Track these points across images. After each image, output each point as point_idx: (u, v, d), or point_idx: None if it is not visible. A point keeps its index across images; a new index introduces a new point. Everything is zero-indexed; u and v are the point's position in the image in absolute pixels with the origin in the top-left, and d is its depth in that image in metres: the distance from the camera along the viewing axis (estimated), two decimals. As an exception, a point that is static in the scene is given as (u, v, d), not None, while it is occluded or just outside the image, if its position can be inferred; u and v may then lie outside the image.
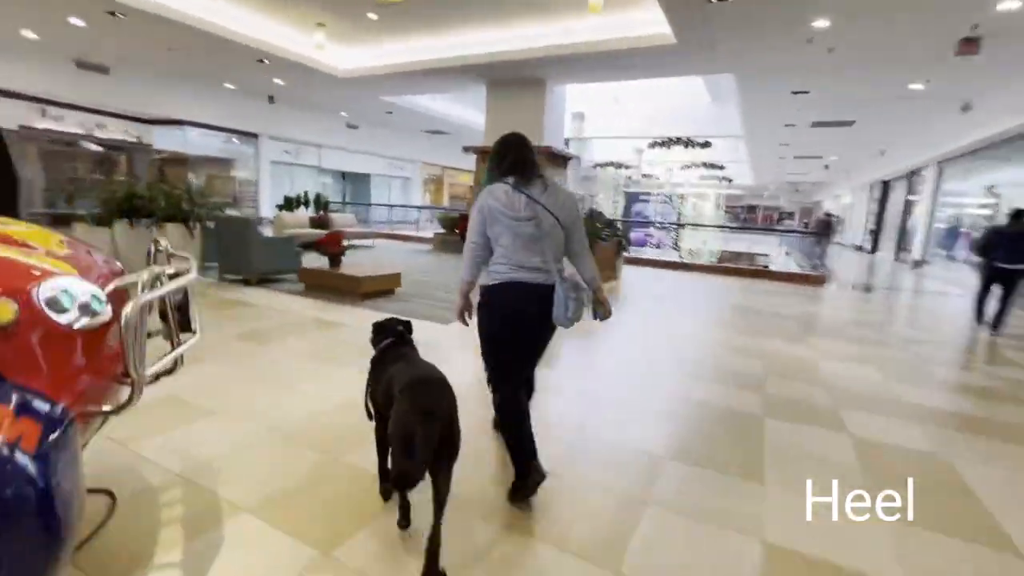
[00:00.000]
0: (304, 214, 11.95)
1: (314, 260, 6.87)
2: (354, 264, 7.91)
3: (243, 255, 6.38)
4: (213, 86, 14.75)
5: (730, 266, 12.97)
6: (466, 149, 12.85)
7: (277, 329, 4.79)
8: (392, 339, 2.23)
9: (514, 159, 2.33)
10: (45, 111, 12.59)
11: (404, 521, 2.00)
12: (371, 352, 2.27)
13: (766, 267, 13.15)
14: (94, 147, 14.30)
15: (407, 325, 2.33)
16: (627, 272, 10.30)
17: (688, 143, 19.09)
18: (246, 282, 6.58)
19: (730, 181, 30.30)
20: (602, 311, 2.41)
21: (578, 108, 17.25)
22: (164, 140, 15.26)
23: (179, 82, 14.17)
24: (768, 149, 19.97)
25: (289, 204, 11.82)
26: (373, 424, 2.13)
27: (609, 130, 19.18)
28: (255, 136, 17.19)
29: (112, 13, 8.89)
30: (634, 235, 17.62)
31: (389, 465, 2.01)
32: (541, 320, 2.25)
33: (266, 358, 3.98)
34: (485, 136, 12.83)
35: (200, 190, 6.47)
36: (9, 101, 11.83)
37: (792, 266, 14.04)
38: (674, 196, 25.76)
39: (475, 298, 2.43)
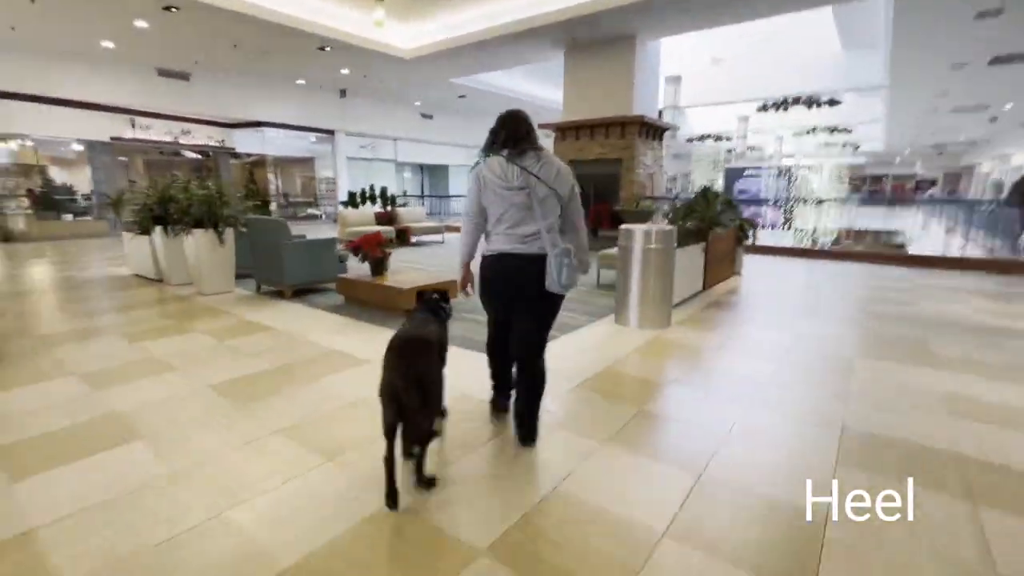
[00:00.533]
0: (371, 210, 11.18)
1: (363, 267, 5.76)
2: (408, 268, 6.79)
3: (276, 263, 5.44)
4: (286, 85, 14.55)
5: (871, 251, 10.24)
6: (542, 127, 11.29)
7: (269, 377, 3.37)
8: (426, 308, 2.46)
9: (508, 133, 2.36)
10: (134, 121, 12.97)
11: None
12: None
13: (920, 254, 10.16)
14: (190, 154, 14.74)
15: (443, 295, 2.57)
16: (749, 263, 8.08)
17: (812, 102, 15.95)
18: (280, 294, 5.64)
19: (856, 148, 25.77)
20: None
21: (672, 72, 14.95)
22: (245, 143, 15.41)
23: (255, 83, 14.10)
24: (918, 102, 16.15)
25: (353, 200, 11.11)
26: None
27: (708, 96, 16.57)
28: (331, 133, 16.96)
29: (167, 8, 8.50)
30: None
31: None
32: (537, 288, 2.31)
33: (229, 436, 2.57)
34: (564, 109, 11.22)
35: (226, 188, 5.55)
36: (99, 113, 12.28)
37: (961, 248, 10.88)
38: (791, 168, 22.26)
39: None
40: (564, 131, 11.15)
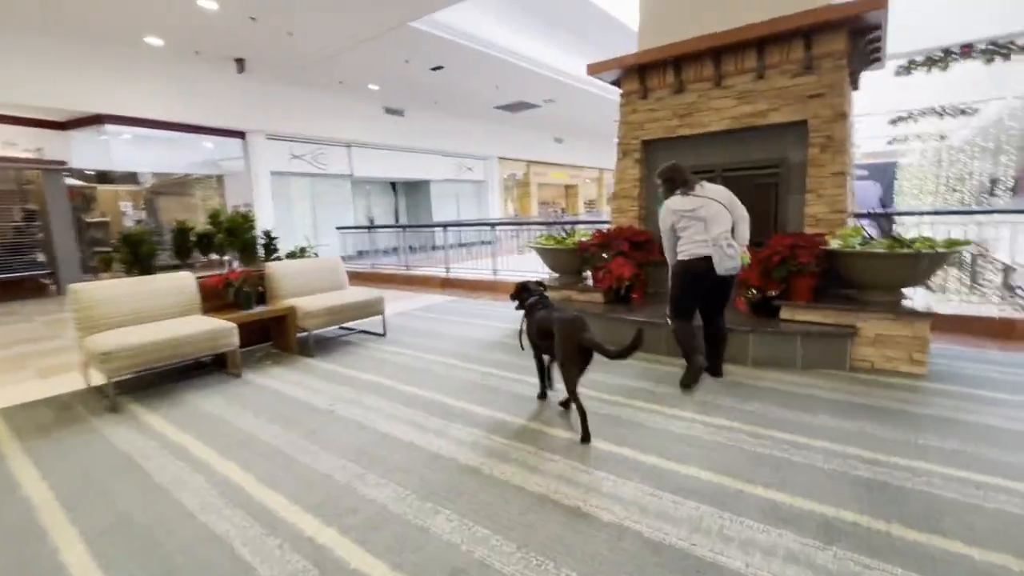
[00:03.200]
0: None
1: None
2: None
3: None
4: (133, 48, 8.57)
5: None
6: (592, 71, 5.27)
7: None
8: (536, 297, 3.30)
9: (680, 179, 3.39)
10: None
11: (543, 394, 3.22)
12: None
13: None
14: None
15: (543, 284, 3.46)
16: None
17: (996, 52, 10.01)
18: None
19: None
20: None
21: None
22: (83, 153, 9.36)
23: (69, 48, 8.10)
24: None
25: (267, 246, 4.99)
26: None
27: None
28: (240, 135, 10.99)
29: None
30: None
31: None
32: (711, 277, 3.22)
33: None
34: (640, 37, 5.19)
35: None
36: None
37: None
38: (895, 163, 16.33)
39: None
40: (642, 74, 5.09)
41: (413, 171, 15.47)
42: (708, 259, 3.17)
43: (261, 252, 5.08)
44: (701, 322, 3.51)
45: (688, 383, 3.31)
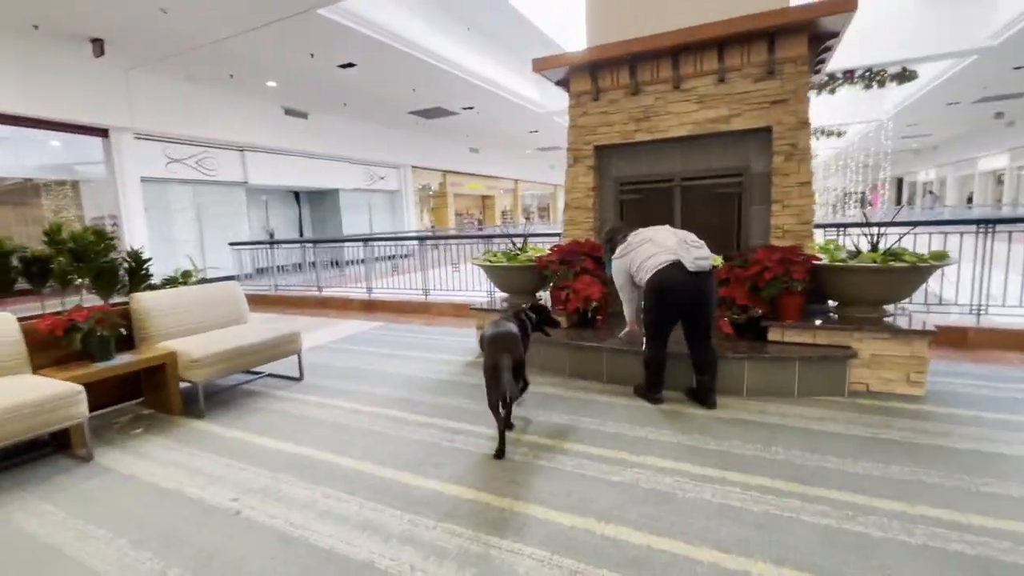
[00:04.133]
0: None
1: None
2: None
3: None
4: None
5: None
6: (538, 67, 4.73)
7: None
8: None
9: (620, 235, 3.36)
10: None
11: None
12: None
13: None
14: None
15: (534, 310, 3.21)
16: None
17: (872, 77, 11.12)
18: None
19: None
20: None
21: None
22: None
23: None
24: None
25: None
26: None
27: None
28: (101, 133, 9.07)
29: None
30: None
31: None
32: (686, 285, 2.93)
33: None
34: (589, 33, 4.75)
35: None
36: None
37: None
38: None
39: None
40: (596, 75, 4.65)
41: (319, 179, 14.04)
42: (675, 265, 2.91)
43: (125, 279, 3.86)
44: (687, 345, 3.12)
45: (643, 395, 3.24)
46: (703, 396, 3.08)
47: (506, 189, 24.85)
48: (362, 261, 9.34)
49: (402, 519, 2.07)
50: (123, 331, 3.29)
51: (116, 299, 3.77)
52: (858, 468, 2.33)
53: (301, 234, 15.39)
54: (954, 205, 26.62)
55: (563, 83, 5.02)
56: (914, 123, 19.25)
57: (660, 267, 2.94)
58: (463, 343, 5.00)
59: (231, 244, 9.08)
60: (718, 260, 3.06)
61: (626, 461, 2.48)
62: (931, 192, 33.30)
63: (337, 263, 9.81)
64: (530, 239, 5.30)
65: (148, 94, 9.34)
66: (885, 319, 3.41)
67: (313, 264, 8.96)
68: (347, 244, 9.30)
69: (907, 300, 3.46)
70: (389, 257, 9.69)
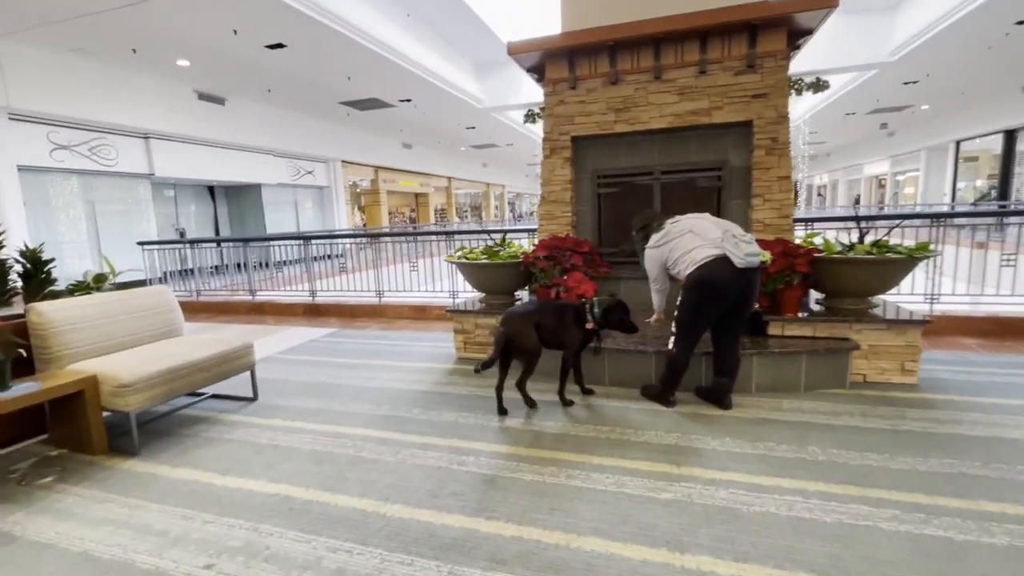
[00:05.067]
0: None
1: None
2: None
3: None
4: None
5: None
6: (514, 50, 4.42)
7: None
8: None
9: (654, 222, 3.12)
10: None
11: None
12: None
13: None
14: None
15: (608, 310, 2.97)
16: None
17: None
18: None
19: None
20: None
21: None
22: None
23: None
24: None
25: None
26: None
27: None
28: (-38, 112, 7.50)
29: None
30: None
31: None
32: (734, 283, 2.72)
33: None
34: (564, 17, 4.52)
35: None
36: None
37: None
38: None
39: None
40: (573, 61, 4.43)
41: (238, 173, 12.73)
42: (722, 260, 2.67)
43: (17, 285, 3.05)
44: (713, 344, 2.95)
45: (656, 397, 3.06)
46: (719, 397, 2.94)
47: (438, 187, 24.22)
48: (298, 261, 8.52)
49: (440, 573, 1.68)
50: (21, 352, 2.56)
51: (3, 311, 2.97)
52: (900, 464, 2.27)
53: (217, 233, 13.90)
54: (844, 205, 29.69)
55: (535, 69, 4.74)
56: (815, 131, 21.16)
57: (704, 261, 2.70)
58: (438, 349, 4.58)
59: (141, 244, 7.86)
60: (767, 256, 2.90)
61: (669, 474, 2.25)
62: (820, 195, 37.27)
63: (267, 264, 8.85)
64: (516, 234, 4.98)
65: (26, 67, 7.88)
66: (871, 310, 3.48)
67: (241, 265, 7.99)
68: (285, 243, 8.40)
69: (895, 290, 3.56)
70: (332, 256, 8.91)
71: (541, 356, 2.96)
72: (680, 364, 2.92)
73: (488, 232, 4.98)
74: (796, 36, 4.14)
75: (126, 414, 2.64)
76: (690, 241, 2.81)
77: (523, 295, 4.52)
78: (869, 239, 3.45)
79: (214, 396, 3.49)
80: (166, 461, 2.57)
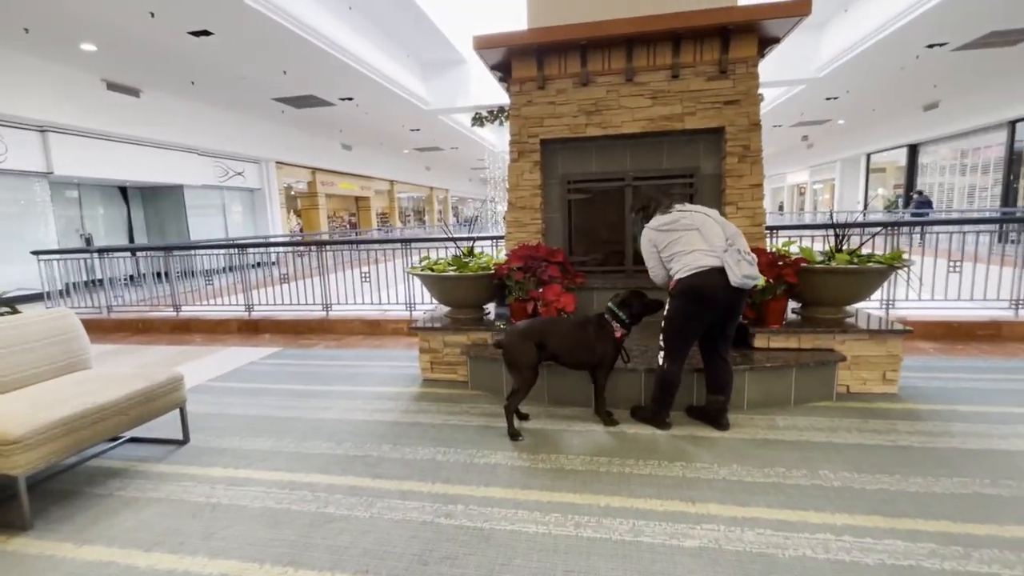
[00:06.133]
0: None
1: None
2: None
3: None
4: None
5: None
6: (479, 44, 4.11)
7: None
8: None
9: (657, 202, 2.87)
10: None
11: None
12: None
13: None
14: None
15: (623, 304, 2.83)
16: None
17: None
18: None
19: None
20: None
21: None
22: None
23: None
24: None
25: None
26: None
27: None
28: None
29: None
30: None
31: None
32: (725, 296, 2.60)
33: None
34: (531, 13, 4.27)
35: None
36: None
37: None
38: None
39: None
40: (542, 60, 4.19)
41: (156, 172, 11.49)
42: (718, 271, 2.55)
43: None
44: (703, 360, 2.80)
45: (650, 419, 2.87)
46: (715, 417, 2.77)
47: (379, 190, 23.33)
48: (230, 269, 7.70)
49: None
50: None
51: None
52: (915, 486, 2.17)
53: (131, 239, 12.49)
54: (771, 211, 31.69)
55: (500, 67, 4.46)
56: (746, 141, 22.33)
57: (700, 270, 2.56)
58: (399, 369, 4.16)
59: (36, 253, 6.76)
60: (762, 281, 2.79)
61: (686, 515, 2.02)
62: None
63: (193, 273, 7.94)
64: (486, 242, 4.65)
65: None
66: (846, 319, 3.48)
67: (161, 275, 7.09)
68: (215, 252, 7.54)
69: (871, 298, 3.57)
70: (270, 263, 8.12)
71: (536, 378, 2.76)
72: (673, 381, 2.74)
73: (453, 240, 4.61)
74: (765, 44, 4.13)
75: (12, 479, 2.07)
76: (694, 241, 2.64)
77: (491, 308, 4.21)
78: (819, 247, 3.47)
79: (133, 440, 2.90)
80: (69, 536, 2.03)
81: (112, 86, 9.78)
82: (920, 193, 15.39)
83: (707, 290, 2.56)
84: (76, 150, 9.48)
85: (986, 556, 1.73)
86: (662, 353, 2.74)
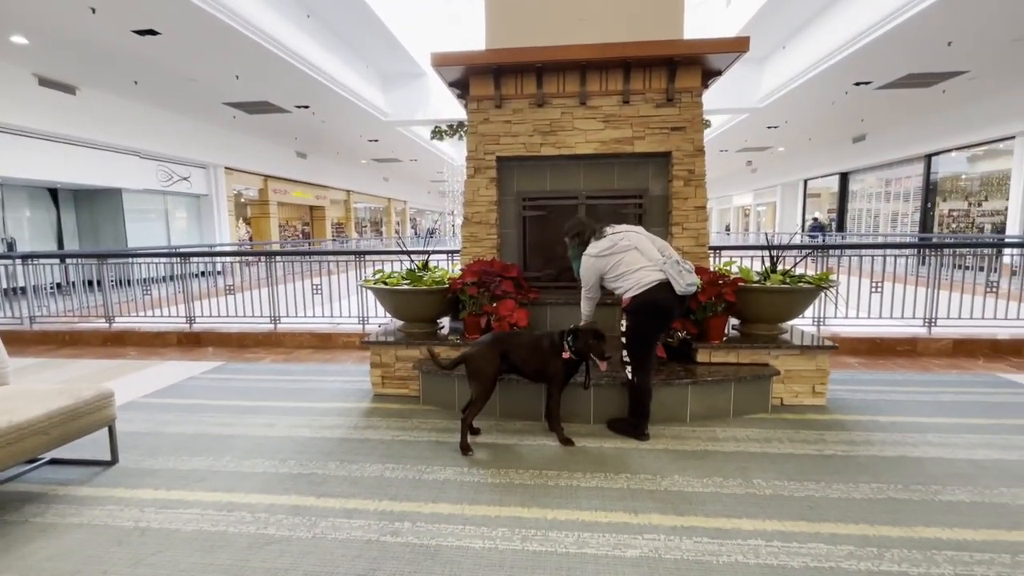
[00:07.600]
0: None
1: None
2: None
3: None
4: None
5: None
6: (437, 61, 4.16)
7: None
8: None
9: (590, 229, 3.07)
10: None
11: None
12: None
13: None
14: None
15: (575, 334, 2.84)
16: None
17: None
18: None
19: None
20: None
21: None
22: None
23: None
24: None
25: None
26: None
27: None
28: None
29: None
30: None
31: None
32: (676, 306, 2.88)
33: None
34: (489, 34, 4.38)
35: None
36: None
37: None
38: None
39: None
40: (499, 80, 4.30)
41: (92, 174, 10.84)
42: (666, 286, 2.79)
43: None
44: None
45: (630, 431, 2.95)
46: (640, 429, 2.90)
47: (335, 200, 22.86)
48: (171, 278, 7.31)
49: None
50: None
51: None
52: (836, 491, 2.33)
53: (61, 245, 11.67)
54: (718, 231, 33.25)
55: (457, 84, 4.53)
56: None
57: (651, 285, 2.77)
58: (349, 384, 4.07)
59: (-55, 258, 6.19)
60: (700, 284, 2.97)
61: (629, 525, 2.09)
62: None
63: (129, 282, 7.49)
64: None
65: None
66: (781, 336, 3.71)
67: (92, 284, 6.65)
68: (157, 260, 7.13)
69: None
70: (215, 272, 7.76)
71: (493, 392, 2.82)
72: (647, 390, 2.90)
73: (407, 253, 4.59)
74: (709, 75, 4.39)
75: (-90, 505, 1.89)
76: (635, 259, 2.85)
77: (445, 322, 4.21)
78: (758, 267, 3.71)
79: (53, 462, 2.70)
80: (-25, 568, 1.87)
81: (45, 81, 9.19)
82: (815, 219, 16.73)
83: (663, 303, 2.79)
84: (21, 153, 8.81)
85: (896, 556, 1.88)
86: (629, 368, 2.85)
